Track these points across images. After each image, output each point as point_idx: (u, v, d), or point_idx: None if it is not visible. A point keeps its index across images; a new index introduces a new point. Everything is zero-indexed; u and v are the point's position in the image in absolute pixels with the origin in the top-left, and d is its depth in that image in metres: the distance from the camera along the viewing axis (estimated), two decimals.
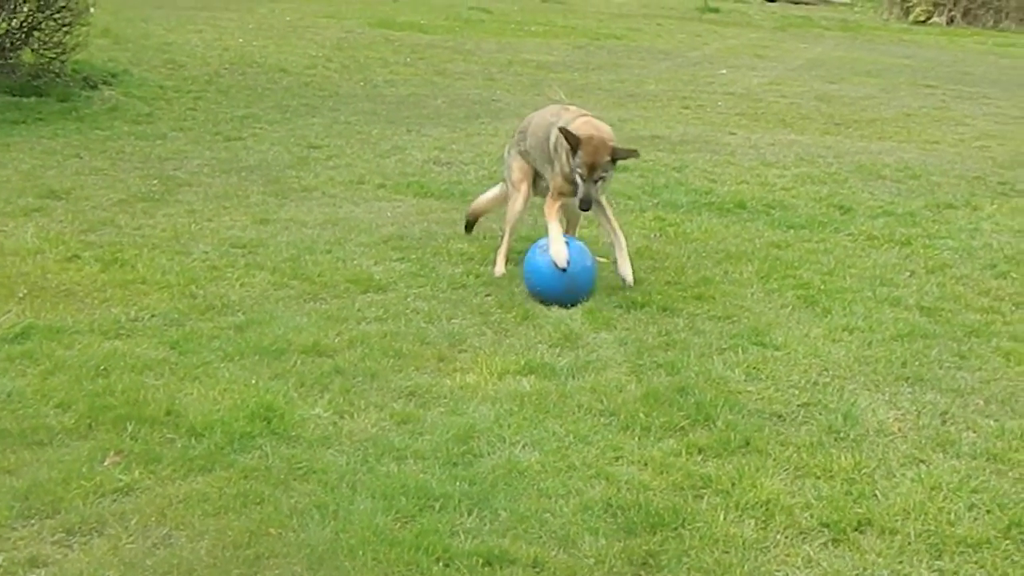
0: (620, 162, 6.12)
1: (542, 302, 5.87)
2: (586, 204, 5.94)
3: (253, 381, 4.68)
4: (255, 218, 7.15)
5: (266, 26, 17.61)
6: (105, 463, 3.97)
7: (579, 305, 5.81)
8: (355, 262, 6.39)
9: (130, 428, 4.21)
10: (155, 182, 7.94)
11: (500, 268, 6.38)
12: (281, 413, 4.39)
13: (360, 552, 3.50)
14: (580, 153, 5.89)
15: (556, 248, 5.93)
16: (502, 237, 6.51)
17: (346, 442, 4.24)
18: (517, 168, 6.56)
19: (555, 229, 6.05)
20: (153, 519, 3.66)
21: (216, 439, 4.15)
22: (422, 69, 14.46)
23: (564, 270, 5.86)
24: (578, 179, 5.93)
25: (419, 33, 18.32)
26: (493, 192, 7.02)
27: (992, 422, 4.71)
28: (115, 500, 3.76)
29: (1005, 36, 25.21)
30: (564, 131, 5.93)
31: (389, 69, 14.22)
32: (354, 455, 4.13)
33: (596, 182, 5.95)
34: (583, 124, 6.05)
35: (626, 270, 6.17)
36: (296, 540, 3.58)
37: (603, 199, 6.22)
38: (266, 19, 18.66)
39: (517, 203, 6.52)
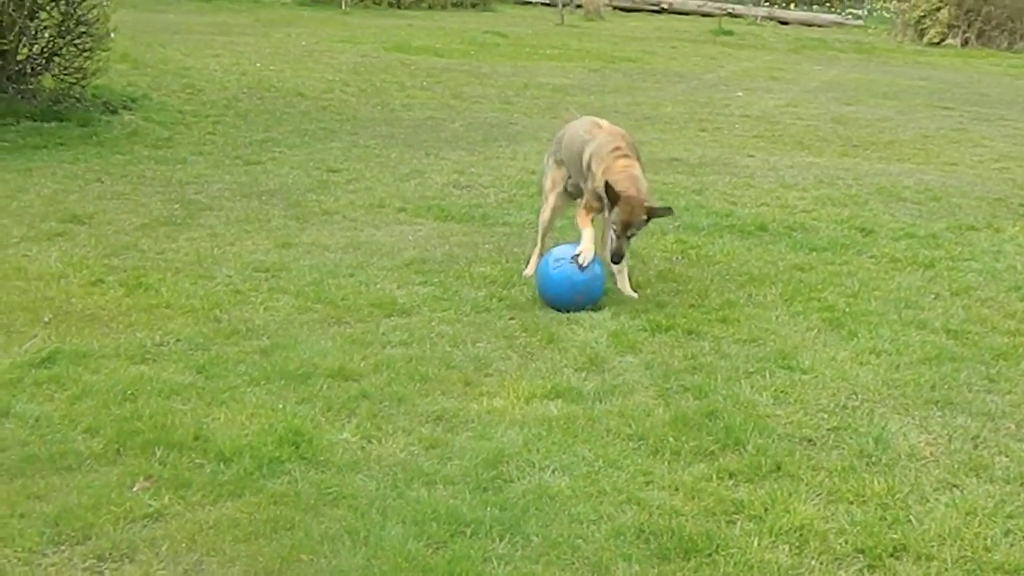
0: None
1: (553, 306, 6.09)
2: (617, 258, 6.18)
3: (280, 406, 4.67)
4: (277, 242, 7.16)
5: (282, 51, 17.70)
6: (135, 488, 3.95)
7: (597, 325, 5.79)
8: (378, 286, 6.38)
9: (159, 453, 4.20)
10: (177, 206, 7.96)
11: (530, 270, 6.62)
12: (309, 438, 4.37)
13: None
14: (617, 211, 6.05)
15: (585, 246, 6.12)
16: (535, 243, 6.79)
17: (375, 467, 4.22)
18: (550, 178, 6.77)
19: (588, 233, 6.24)
20: (184, 545, 3.64)
21: (245, 464, 4.13)
22: (439, 93, 14.50)
23: (582, 268, 6.06)
24: (612, 233, 6.09)
25: (434, 57, 18.39)
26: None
27: None
28: (145, 526, 3.74)
29: (1020, 58, 25.19)
30: (608, 186, 6.04)
31: (406, 93, 14.26)
32: (383, 480, 4.11)
33: (629, 238, 6.15)
34: (624, 178, 6.11)
35: (626, 286, 6.44)
36: (328, 566, 3.55)
37: None
38: (282, 44, 18.76)
39: (546, 212, 6.76)
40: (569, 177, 6.64)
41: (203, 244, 7.03)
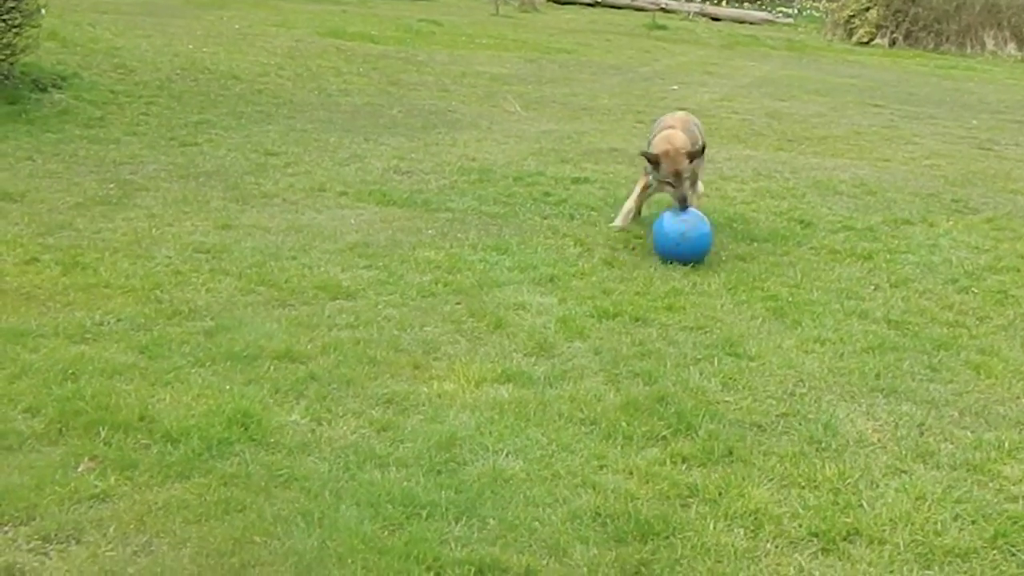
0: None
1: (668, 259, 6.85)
2: (685, 204, 7.01)
3: (227, 387, 4.58)
4: (217, 223, 7.03)
5: (215, 33, 17.40)
6: (79, 469, 3.85)
7: (544, 311, 5.78)
8: (322, 269, 6.30)
9: (103, 433, 4.09)
10: (112, 186, 7.78)
11: (619, 222, 7.58)
12: (258, 419, 4.29)
13: (349, 560, 3.42)
14: (662, 168, 7.02)
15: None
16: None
17: (326, 449, 4.16)
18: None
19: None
20: (132, 526, 3.55)
21: (193, 445, 4.05)
22: (376, 79, 14.36)
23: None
24: (670, 188, 7.03)
25: (370, 43, 18.21)
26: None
27: (969, 433, 4.73)
28: (91, 507, 3.64)
29: (945, 58, 25.64)
30: (644, 154, 7.14)
31: (343, 78, 14.11)
32: (335, 462, 4.05)
33: (686, 182, 7.01)
34: (659, 141, 7.18)
35: None
36: (282, 548, 3.49)
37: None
38: (214, 26, 18.44)
39: (636, 188, 7.72)
40: None
41: (140, 224, 6.88)
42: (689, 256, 6.91)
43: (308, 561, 3.42)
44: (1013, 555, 3.79)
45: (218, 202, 7.59)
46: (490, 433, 4.36)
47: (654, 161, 7.05)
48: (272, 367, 4.84)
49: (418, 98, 13.15)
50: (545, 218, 7.89)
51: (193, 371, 4.73)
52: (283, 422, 4.33)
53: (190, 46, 15.45)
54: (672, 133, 7.25)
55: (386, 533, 3.60)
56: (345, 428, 4.35)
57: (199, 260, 6.25)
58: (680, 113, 7.93)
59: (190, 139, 9.58)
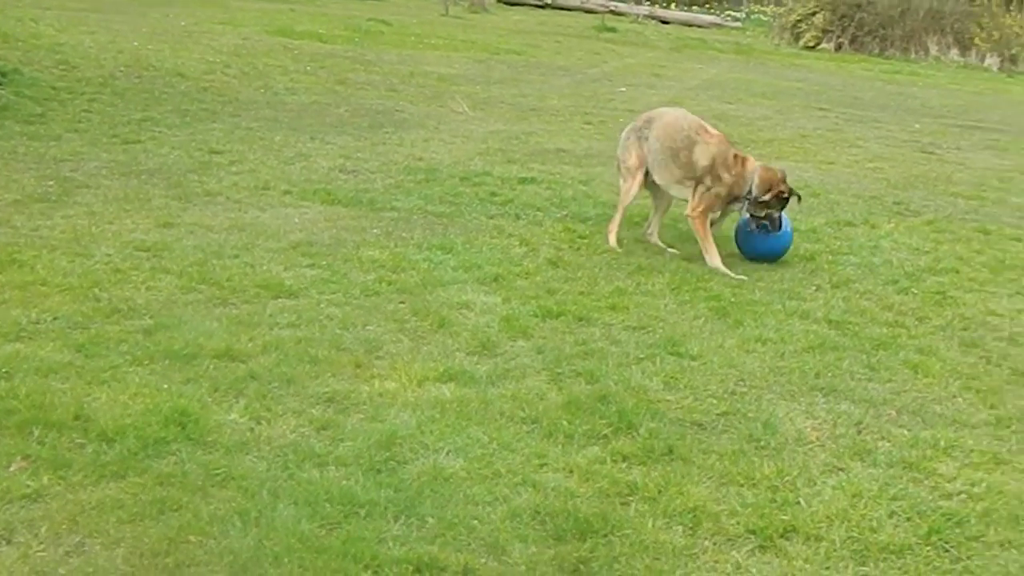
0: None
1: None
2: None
3: (165, 386, 4.53)
4: (158, 221, 6.95)
5: (160, 31, 17.24)
6: (11, 468, 3.79)
7: (488, 310, 5.77)
8: (264, 267, 6.25)
9: (36, 433, 4.03)
10: (51, 183, 7.67)
11: (612, 241, 7.36)
12: (196, 418, 4.24)
13: (286, 559, 3.39)
14: (775, 192, 7.08)
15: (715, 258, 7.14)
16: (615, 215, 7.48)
17: (265, 448, 4.12)
18: (636, 156, 7.42)
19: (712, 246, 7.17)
20: (65, 526, 3.50)
21: (129, 444, 3.99)
22: (323, 78, 14.29)
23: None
24: (764, 211, 7.11)
25: (318, 42, 18.12)
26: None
27: (905, 432, 4.79)
28: (23, 507, 3.58)
29: (890, 63, 25.98)
30: (795, 193, 7.25)
31: (289, 77, 14.02)
32: (274, 461, 4.02)
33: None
34: (764, 172, 7.16)
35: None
36: (218, 548, 3.45)
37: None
38: (160, 24, 18.27)
39: (633, 188, 7.45)
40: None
41: (80, 222, 6.79)
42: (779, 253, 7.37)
43: (244, 560, 3.39)
44: (947, 551, 3.84)
45: (160, 200, 7.50)
46: (431, 432, 4.35)
47: (784, 198, 7.15)
48: (211, 366, 4.79)
49: (366, 97, 13.10)
50: (491, 218, 7.89)
51: (130, 370, 4.67)
52: (221, 421, 4.28)
53: (135, 43, 15.30)
54: (755, 161, 7.29)
55: (324, 532, 3.58)
56: (284, 427, 4.31)
57: (139, 258, 6.18)
58: (692, 116, 7.55)
59: (133, 137, 9.47)
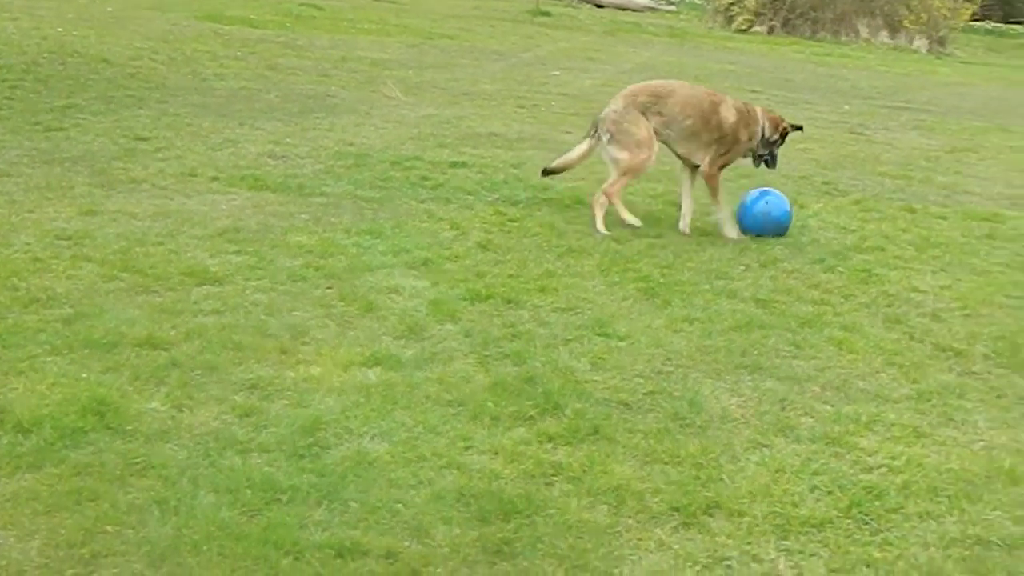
0: None
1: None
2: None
3: (84, 375, 4.46)
4: (81, 209, 6.83)
5: (86, 16, 16.95)
6: None
7: (416, 294, 5.75)
8: (189, 254, 6.17)
9: None
10: None
11: (632, 218, 7.59)
12: (115, 407, 4.18)
13: (204, 547, 3.35)
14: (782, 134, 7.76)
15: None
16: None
17: (186, 436, 4.07)
18: (645, 127, 7.53)
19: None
20: None
21: (45, 435, 3.92)
22: (253, 63, 14.12)
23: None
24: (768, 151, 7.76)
25: (249, 28, 17.92)
26: (582, 149, 7.80)
27: (828, 407, 4.84)
28: None
29: (821, 46, 26.26)
30: (796, 127, 8.00)
31: (219, 63, 13.84)
32: (195, 449, 3.97)
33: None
34: (762, 112, 7.84)
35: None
36: (135, 537, 3.40)
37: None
38: (86, 9, 17.96)
39: (652, 158, 7.59)
40: None
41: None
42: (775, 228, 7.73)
43: (162, 549, 3.34)
44: (866, 524, 3.89)
45: (83, 188, 7.37)
46: (356, 416, 4.32)
47: (787, 131, 7.81)
48: (133, 354, 4.72)
49: (296, 83, 12.98)
50: (421, 202, 7.85)
51: (49, 359, 4.58)
52: (142, 410, 4.22)
53: (59, 29, 15.02)
54: (757, 107, 7.91)
55: (244, 519, 3.54)
56: (207, 414, 4.26)
57: (60, 247, 6.07)
58: (694, 85, 8.36)
59: (56, 124, 9.29)
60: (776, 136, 7.78)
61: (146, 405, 4.27)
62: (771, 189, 7.93)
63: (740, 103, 7.83)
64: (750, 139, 7.72)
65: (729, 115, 7.62)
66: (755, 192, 7.87)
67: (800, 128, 8.09)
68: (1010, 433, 4.76)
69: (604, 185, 7.58)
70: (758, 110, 7.87)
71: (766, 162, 7.90)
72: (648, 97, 7.63)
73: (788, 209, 7.81)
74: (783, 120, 7.89)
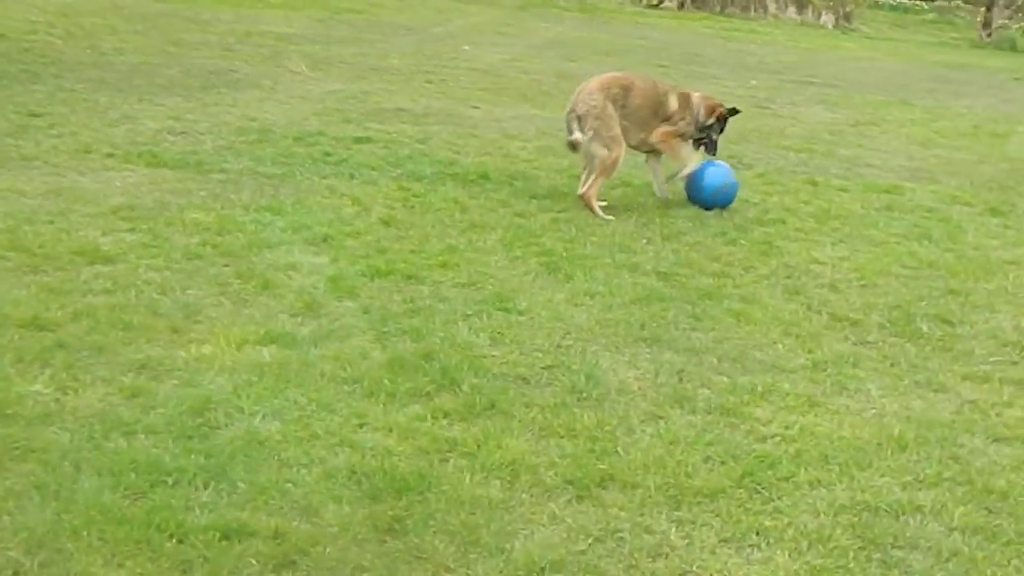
0: None
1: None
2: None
3: None
4: None
5: None
6: None
7: (315, 270, 5.67)
8: (80, 233, 6.01)
9: None
10: None
11: (599, 210, 7.47)
12: None
13: (84, 532, 3.27)
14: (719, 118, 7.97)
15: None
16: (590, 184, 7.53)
17: (69, 419, 3.96)
18: (616, 123, 7.59)
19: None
20: None
21: None
22: (155, 38, 13.81)
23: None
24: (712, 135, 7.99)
25: (151, 1, 17.51)
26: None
27: (725, 379, 4.88)
28: None
29: (731, 21, 26.46)
30: (733, 111, 8.16)
31: (118, 37, 13.51)
32: (78, 432, 3.87)
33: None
34: (702, 98, 8.07)
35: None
36: (12, 524, 3.30)
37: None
38: None
39: (623, 154, 7.64)
40: None
41: None
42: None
43: (40, 535, 3.25)
44: (759, 492, 3.92)
45: None
46: (247, 396, 4.25)
47: (721, 114, 7.99)
48: (16, 336, 4.59)
49: (199, 57, 12.72)
50: (324, 178, 7.74)
51: None
52: (23, 392, 4.11)
53: None
54: (695, 93, 8.17)
55: (127, 503, 3.46)
56: (92, 396, 4.15)
57: None
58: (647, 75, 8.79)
59: None
60: (712, 120, 7.95)
61: (28, 388, 4.15)
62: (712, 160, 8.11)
63: (680, 91, 8.13)
64: (688, 124, 7.91)
65: (672, 103, 7.88)
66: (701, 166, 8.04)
67: (737, 111, 8.26)
68: (901, 400, 4.84)
69: (581, 189, 7.58)
70: (695, 96, 8.07)
71: (705, 146, 8.04)
72: (619, 89, 7.73)
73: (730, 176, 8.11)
74: (721, 105, 8.06)
